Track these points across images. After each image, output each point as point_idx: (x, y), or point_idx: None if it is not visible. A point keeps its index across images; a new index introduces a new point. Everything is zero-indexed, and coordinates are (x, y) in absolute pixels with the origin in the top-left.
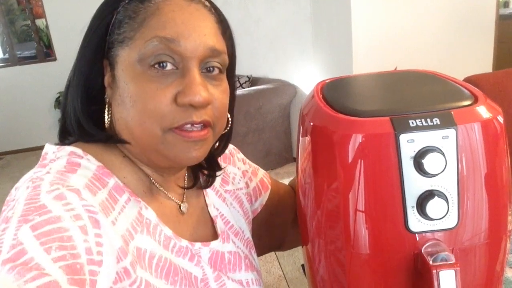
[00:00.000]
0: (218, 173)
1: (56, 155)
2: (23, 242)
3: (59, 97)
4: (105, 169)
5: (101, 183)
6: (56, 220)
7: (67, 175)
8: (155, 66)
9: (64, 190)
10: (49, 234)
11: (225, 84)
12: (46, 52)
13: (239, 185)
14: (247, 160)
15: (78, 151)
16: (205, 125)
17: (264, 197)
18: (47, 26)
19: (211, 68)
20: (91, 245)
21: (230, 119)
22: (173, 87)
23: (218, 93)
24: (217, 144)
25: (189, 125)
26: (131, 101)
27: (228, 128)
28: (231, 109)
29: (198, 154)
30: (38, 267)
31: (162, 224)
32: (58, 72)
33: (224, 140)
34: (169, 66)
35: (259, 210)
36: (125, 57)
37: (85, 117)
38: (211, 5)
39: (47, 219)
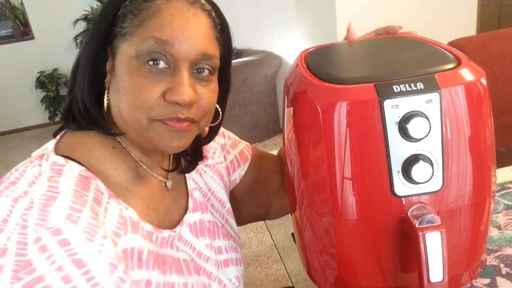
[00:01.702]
0: (199, 162)
1: (40, 169)
2: None
3: (39, 77)
4: (83, 181)
5: (81, 202)
6: (40, 280)
7: (47, 210)
8: (149, 62)
9: (46, 238)
10: None
11: (214, 84)
12: (23, 31)
13: (219, 159)
14: (227, 133)
15: (60, 160)
16: (189, 121)
17: (243, 168)
18: (22, 3)
19: (201, 70)
20: (82, 285)
21: (220, 111)
22: (163, 84)
23: (206, 92)
24: (206, 131)
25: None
26: (124, 91)
27: (218, 121)
28: (224, 102)
29: (180, 143)
30: None
31: (143, 221)
32: (36, 51)
33: (213, 132)
34: (162, 64)
35: (238, 181)
36: (124, 51)
37: (90, 99)
38: (212, 8)
39: (33, 280)
